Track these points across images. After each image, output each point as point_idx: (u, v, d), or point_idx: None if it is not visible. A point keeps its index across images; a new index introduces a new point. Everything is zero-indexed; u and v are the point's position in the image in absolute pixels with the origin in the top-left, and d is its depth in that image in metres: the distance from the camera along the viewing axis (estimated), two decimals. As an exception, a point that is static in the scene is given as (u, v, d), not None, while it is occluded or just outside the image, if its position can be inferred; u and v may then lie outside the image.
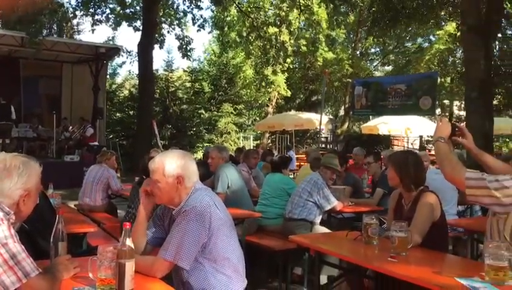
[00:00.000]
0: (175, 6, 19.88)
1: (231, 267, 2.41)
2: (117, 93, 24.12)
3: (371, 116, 19.27)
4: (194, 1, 18.39)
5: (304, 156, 13.60)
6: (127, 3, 18.15)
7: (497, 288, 2.05)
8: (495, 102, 11.44)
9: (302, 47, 24.31)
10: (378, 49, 30.44)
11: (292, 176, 10.45)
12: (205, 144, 20.86)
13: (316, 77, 26.43)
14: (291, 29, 22.55)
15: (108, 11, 18.47)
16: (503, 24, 11.69)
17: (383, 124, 17.14)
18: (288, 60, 24.04)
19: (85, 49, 15.51)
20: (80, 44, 16.24)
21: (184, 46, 18.13)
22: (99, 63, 15.56)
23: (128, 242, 1.98)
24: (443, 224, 3.12)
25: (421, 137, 20.95)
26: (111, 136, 19.86)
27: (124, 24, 19.00)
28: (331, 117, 30.07)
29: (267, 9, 22.70)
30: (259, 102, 28.45)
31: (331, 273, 4.13)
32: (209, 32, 24.40)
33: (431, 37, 25.57)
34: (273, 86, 23.95)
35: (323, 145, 23.44)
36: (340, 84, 26.98)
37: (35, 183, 2.08)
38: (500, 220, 2.34)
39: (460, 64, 19.91)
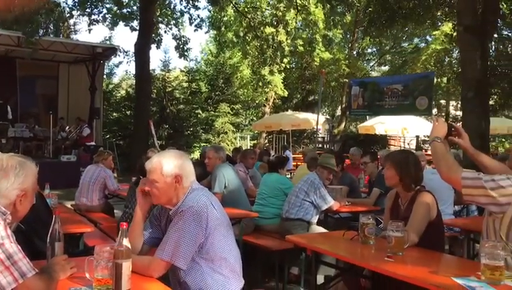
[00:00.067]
0: (172, 6, 19.87)
1: (228, 267, 2.41)
2: (114, 93, 24.10)
3: (367, 116, 19.31)
4: (191, 1, 18.37)
5: (301, 156, 13.62)
6: (124, 3, 18.10)
7: (493, 287, 2.06)
8: (491, 102, 11.48)
9: (299, 47, 24.32)
10: (374, 49, 30.53)
11: (289, 176, 10.46)
12: (202, 144, 20.85)
13: (313, 77, 26.46)
14: (288, 29, 22.57)
15: (105, 10, 18.44)
16: (499, 24, 11.72)
17: (380, 124, 17.17)
18: (285, 60, 24.05)
19: (82, 49, 15.48)
20: (77, 44, 16.21)
21: (181, 46, 18.11)
22: (96, 63, 15.54)
23: (125, 242, 1.98)
24: (439, 224, 3.13)
25: (417, 137, 21.02)
26: (108, 136, 19.84)
27: (121, 24, 18.97)
28: (328, 117, 30.08)
29: (264, 10, 22.71)
30: (256, 102, 28.46)
31: (328, 273, 4.13)
32: (206, 32, 24.37)
33: (427, 37, 25.64)
34: (270, 86, 23.95)
35: (320, 145, 23.45)
36: (337, 84, 27.01)
37: (31, 184, 2.08)
38: (496, 220, 2.34)
39: (456, 65, 19.97)
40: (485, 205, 2.36)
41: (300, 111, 22.93)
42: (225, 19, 23.08)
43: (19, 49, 13.83)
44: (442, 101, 29.85)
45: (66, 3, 17.71)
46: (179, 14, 19.86)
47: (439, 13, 13.31)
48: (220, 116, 23.63)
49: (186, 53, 18.28)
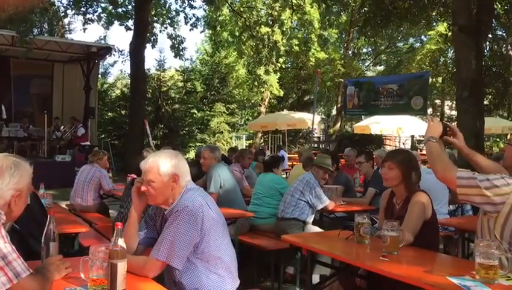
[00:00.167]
0: (167, 6, 19.84)
1: (223, 267, 2.41)
2: (109, 92, 24.04)
3: (363, 116, 19.35)
4: (186, 0, 18.35)
5: (297, 155, 13.63)
6: (119, 3, 18.05)
7: (487, 287, 2.07)
8: (486, 102, 11.50)
9: (294, 47, 24.35)
10: (370, 49, 30.61)
11: (284, 176, 10.47)
12: (197, 144, 20.83)
13: (309, 76, 26.50)
14: (284, 29, 22.58)
15: (100, 10, 18.37)
16: (493, 24, 11.76)
17: (375, 124, 17.21)
18: (281, 60, 24.06)
19: (76, 49, 15.42)
20: (71, 43, 16.13)
21: (176, 46, 18.09)
22: (91, 63, 15.49)
23: (120, 242, 1.98)
24: (434, 223, 3.14)
25: (412, 137, 21.08)
26: (103, 136, 19.79)
27: (116, 23, 18.93)
28: (324, 117, 30.19)
29: (259, 9, 22.71)
30: (252, 102, 28.48)
31: (323, 273, 4.15)
32: (202, 32, 24.36)
33: (422, 37, 25.73)
34: (265, 85, 23.96)
35: (316, 145, 23.53)
36: (333, 84, 27.06)
37: (26, 184, 2.07)
38: (490, 219, 2.35)
39: (451, 64, 20.03)
40: (480, 204, 2.37)
41: (295, 111, 22.94)
42: (220, 18, 23.08)
43: (13, 48, 13.77)
44: (437, 101, 29.98)
45: (61, 2, 17.60)
46: (174, 13, 19.84)
47: (434, 13, 13.33)
48: (216, 116, 23.61)
49: (181, 52, 18.27)
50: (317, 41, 25.01)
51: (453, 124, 3.65)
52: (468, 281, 2.14)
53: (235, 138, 25.41)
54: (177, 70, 25.42)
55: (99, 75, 21.24)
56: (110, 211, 6.63)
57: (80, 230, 3.90)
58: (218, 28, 23.74)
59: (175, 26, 19.71)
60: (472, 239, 3.98)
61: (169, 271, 2.38)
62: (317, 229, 4.93)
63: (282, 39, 22.60)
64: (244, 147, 20.01)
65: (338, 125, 26.98)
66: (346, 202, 5.48)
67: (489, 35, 11.58)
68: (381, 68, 31.43)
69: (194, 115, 23.16)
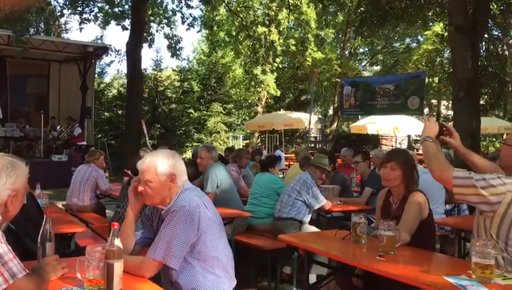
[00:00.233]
0: (164, 5, 19.83)
1: (220, 267, 2.41)
2: (105, 92, 24.00)
3: (359, 116, 19.37)
4: (183, 0, 18.34)
5: (293, 155, 13.64)
6: (116, 2, 18.02)
7: (483, 286, 2.07)
8: (482, 102, 11.54)
9: (291, 47, 24.36)
10: (366, 49, 30.67)
11: (281, 176, 10.47)
12: (194, 144, 20.82)
13: (305, 76, 26.51)
14: (281, 29, 22.59)
15: (96, 9, 18.37)
16: (489, 25, 11.80)
17: (372, 124, 17.23)
18: (278, 60, 24.08)
19: (73, 48, 15.39)
20: (68, 43, 16.10)
21: (173, 45, 18.08)
22: (88, 62, 15.46)
23: (117, 242, 1.97)
24: (431, 223, 3.14)
25: (409, 136, 21.13)
26: (99, 136, 19.77)
27: (113, 23, 18.90)
28: (320, 117, 30.20)
29: (256, 9, 22.71)
30: (249, 101, 28.48)
31: (320, 273, 4.15)
32: (198, 32, 24.34)
33: (419, 37, 25.80)
34: (262, 85, 23.97)
35: (313, 145, 23.55)
36: (329, 84, 27.08)
37: (23, 184, 2.07)
38: (487, 219, 2.36)
39: (447, 65, 20.09)
40: (476, 204, 2.37)
41: (292, 111, 22.97)
42: (217, 18, 23.07)
43: (9, 48, 13.73)
44: (434, 101, 30.07)
45: (57, 2, 17.57)
46: (171, 13, 19.85)
47: (430, 13, 13.36)
48: (212, 115, 23.61)
49: (178, 52, 18.26)
50: (314, 41, 25.04)
51: (450, 123, 3.65)
52: (464, 280, 2.15)
53: (232, 137, 25.41)
54: (173, 70, 25.42)
55: (96, 75, 21.22)
56: (106, 211, 6.61)
57: (77, 230, 3.89)
58: (215, 28, 23.74)
59: (172, 26, 19.75)
60: (468, 239, 3.99)
61: (166, 271, 2.38)
62: (314, 228, 4.94)
63: (279, 39, 22.62)
64: (241, 147, 20.01)
65: (335, 125, 27.01)
66: (342, 202, 5.48)
67: (485, 36, 11.60)
68: (377, 68, 31.51)
69: (191, 115, 23.15)
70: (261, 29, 21.11)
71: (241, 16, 20.57)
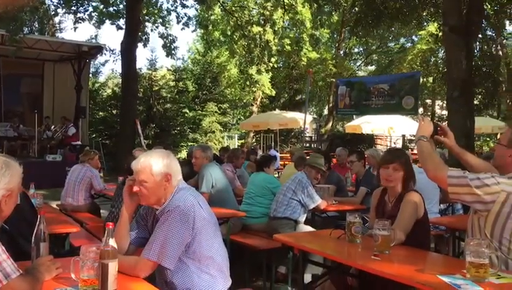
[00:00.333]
0: (159, 5, 19.79)
1: (215, 267, 2.40)
2: (100, 92, 23.93)
3: (354, 116, 19.40)
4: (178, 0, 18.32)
5: (288, 155, 13.65)
6: (110, 2, 17.96)
7: (478, 285, 2.08)
8: (476, 102, 11.59)
9: (286, 46, 24.38)
10: (361, 49, 30.75)
11: (276, 175, 10.47)
12: (189, 143, 20.79)
13: (300, 76, 26.53)
14: (276, 29, 22.61)
15: (90, 9, 18.29)
16: (483, 25, 11.86)
17: (366, 124, 17.25)
18: (273, 60, 24.09)
19: (67, 48, 15.34)
20: (62, 42, 16.06)
21: (168, 45, 18.05)
22: (82, 62, 15.42)
23: (111, 242, 1.97)
24: (426, 222, 3.16)
25: (403, 136, 21.19)
26: (94, 136, 19.71)
27: (107, 22, 18.85)
28: (315, 116, 30.24)
29: (251, 9, 22.71)
30: (244, 101, 28.47)
31: (315, 272, 4.16)
32: (193, 31, 24.32)
33: (413, 37, 25.86)
34: (257, 85, 23.97)
35: (308, 145, 23.57)
36: (324, 84, 27.12)
37: (17, 184, 2.06)
38: (481, 218, 2.37)
39: (442, 64, 20.14)
40: (471, 203, 2.38)
41: (287, 110, 22.95)
42: (212, 17, 23.05)
43: (3, 47, 13.67)
44: (428, 101, 30.16)
45: (51, 1, 17.49)
46: (165, 12, 19.81)
47: (424, 13, 13.40)
48: (207, 115, 23.57)
49: (173, 52, 18.23)
50: (308, 41, 25.07)
51: (444, 123, 3.67)
52: (458, 279, 2.16)
53: (227, 137, 25.39)
54: (168, 70, 25.36)
55: (91, 75, 21.18)
56: (101, 211, 6.59)
57: (71, 230, 3.87)
58: (210, 28, 23.72)
59: (167, 25, 19.69)
60: (463, 238, 4.01)
61: (161, 271, 2.37)
62: (309, 228, 4.94)
63: (274, 39, 22.63)
64: (236, 147, 20.00)
65: (330, 124, 27.05)
66: (337, 201, 5.49)
67: (479, 36, 11.66)
68: (372, 68, 31.58)
69: (186, 115, 23.11)
70: (256, 28, 21.11)
71: (236, 15, 20.57)
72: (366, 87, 11.93)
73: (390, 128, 17.01)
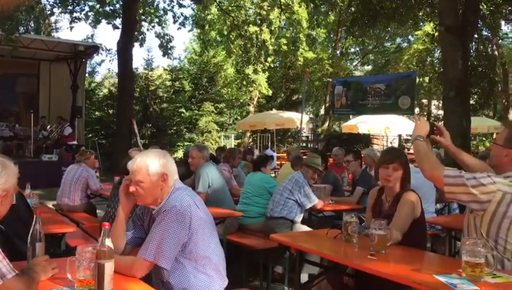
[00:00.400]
0: (155, 4, 19.76)
1: (212, 267, 2.40)
2: (96, 91, 23.87)
3: (351, 116, 19.45)
4: (174, -1, 18.31)
5: (285, 155, 13.66)
6: (107, 1, 17.93)
7: (474, 284, 2.08)
8: (472, 102, 11.63)
9: (282, 46, 24.38)
10: (357, 49, 30.81)
11: (273, 175, 10.48)
12: (186, 143, 20.76)
13: (297, 76, 26.54)
14: (272, 28, 22.61)
15: (87, 8, 18.26)
16: (479, 25, 11.90)
17: (363, 123, 17.30)
18: (269, 59, 24.08)
19: (63, 47, 15.28)
20: (58, 42, 15.98)
21: (165, 44, 18.02)
22: (78, 61, 15.35)
23: (108, 242, 1.96)
24: (422, 222, 3.16)
25: (400, 136, 21.23)
26: (90, 135, 19.65)
27: (103, 22, 18.82)
28: (312, 116, 30.29)
29: (247, 8, 22.71)
30: (241, 101, 28.47)
31: (312, 272, 4.16)
32: (190, 31, 24.29)
33: (410, 37, 25.93)
34: (254, 85, 23.97)
35: (304, 144, 23.60)
36: (321, 84, 27.15)
37: (13, 184, 2.06)
38: (477, 217, 2.38)
39: (438, 64, 20.23)
40: (467, 202, 2.39)
41: (284, 110, 22.98)
42: (209, 17, 23.03)
43: (-1, 46, 13.59)
44: (424, 101, 30.25)
45: (47, 1, 17.44)
46: (162, 12, 19.78)
47: (421, 13, 13.45)
48: (204, 115, 23.54)
49: (169, 51, 18.20)
50: (305, 41, 25.08)
51: (440, 123, 3.67)
52: (454, 279, 2.16)
53: (223, 137, 25.38)
54: (165, 70, 25.33)
55: (87, 74, 21.08)
56: (97, 211, 6.58)
57: (67, 230, 3.86)
58: (206, 27, 23.69)
59: (163, 25, 19.66)
60: (459, 237, 4.02)
61: (157, 271, 2.37)
62: (305, 228, 4.94)
63: (270, 38, 22.62)
64: (233, 147, 19.99)
65: (326, 124, 27.08)
66: (334, 201, 5.50)
67: (475, 36, 11.71)
68: (369, 68, 31.65)
69: (182, 114, 23.08)
70: (252, 28, 21.09)
71: (232, 15, 20.55)
72: (362, 87, 11.96)
73: (386, 128, 17.07)
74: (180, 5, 18.84)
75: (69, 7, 17.40)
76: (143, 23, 18.85)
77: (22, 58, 14.82)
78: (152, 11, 19.72)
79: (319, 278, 3.43)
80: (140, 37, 18.03)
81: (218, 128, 24.43)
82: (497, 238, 2.31)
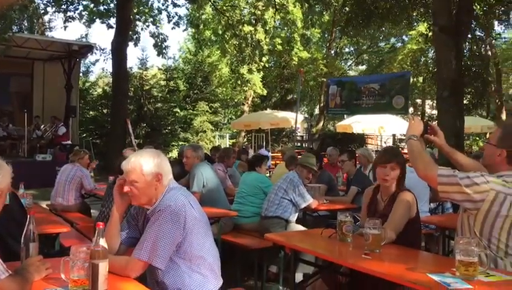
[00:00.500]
0: (149, 4, 19.72)
1: (206, 267, 2.40)
2: (90, 91, 23.77)
3: (345, 115, 19.48)
4: (169, -2, 18.27)
5: (280, 154, 13.65)
6: (101, 1, 17.88)
7: (467, 283, 2.10)
8: (465, 101, 11.67)
9: (277, 46, 24.40)
10: (352, 49, 30.88)
11: (268, 175, 10.48)
12: (180, 143, 20.72)
13: (292, 75, 26.57)
14: (267, 28, 22.62)
15: (81, 7, 18.19)
16: (472, 25, 11.95)
17: (357, 123, 17.33)
18: (264, 59, 24.09)
19: (57, 47, 15.21)
20: (52, 41, 15.90)
21: (159, 44, 17.99)
22: (72, 61, 15.28)
23: (102, 242, 1.96)
24: (418, 221, 3.18)
25: (394, 135, 21.28)
26: (84, 135, 19.57)
27: (98, 21, 18.75)
28: (307, 116, 30.32)
29: (242, 8, 22.69)
30: (235, 100, 28.44)
31: (307, 271, 4.17)
32: (184, 30, 24.29)
33: (404, 37, 26.02)
34: (248, 84, 23.96)
35: (299, 144, 23.63)
36: (315, 84, 27.19)
37: (7, 184, 2.05)
38: (470, 216, 2.39)
39: (432, 64, 20.28)
40: (460, 201, 2.40)
41: (279, 110, 22.98)
42: (203, 17, 23.01)
43: (-8, 45, 13.51)
44: (418, 100, 30.34)
45: (41, 0, 17.36)
46: (156, 11, 19.74)
47: (414, 14, 13.49)
48: (199, 114, 23.51)
49: (164, 51, 18.18)
50: (300, 41, 25.11)
51: (434, 123, 3.69)
52: (448, 277, 2.17)
53: (218, 137, 25.35)
54: (159, 69, 25.26)
55: (81, 74, 21.01)
56: (91, 210, 6.56)
57: (61, 230, 3.85)
58: (201, 27, 23.67)
59: (157, 24, 19.62)
60: (452, 236, 4.03)
61: (152, 271, 2.36)
62: (300, 227, 4.95)
63: (265, 38, 22.64)
64: (228, 146, 19.98)
65: (321, 124, 27.12)
66: (329, 201, 5.51)
67: (469, 36, 11.76)
68: (363, 68, 31.72)
69: (177, 114, 23.03)
70: (247, 28, 21.10)
71: (227, 14, 20.54)
72: (356, 87, 11.99)
73: (380, 128, 17.10)
74: (175, 5, 18.75)
75: (63, 6, 17.34)
76: (137, 22, 18.81)
77: (16, 57, 14.73)
78: (146, 10, 19.67)
79: (314, 277, 3.44)
80: (134, 37, 17.99)
81: (213, 128, 24.40)
82: (490, 238, 2.32)
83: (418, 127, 2.69)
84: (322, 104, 26.40)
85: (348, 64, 31.58)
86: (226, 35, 21.25)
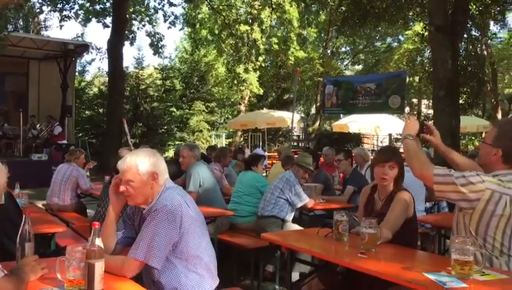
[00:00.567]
0: (145, 3, 19.69)
1: (203, 266, 2.40)
2: (86, 90, 23.71)
3: (341, 115, 19.51)
4: (165, -3, 18.25)
5: (276, 154, 13.67)
6: (96, 0, 17.84)
7: (463, 282, 2.10)
8: (461, 101, 11.70)
9: (273, 45, 24.41)
10: (348, 49, 30.94)
11: (264, 174, 10.48)
12: (176, 142, 20.71)
13: (288, 75, 26.59)
14: (263, 28, 22.63)
15: (77, 7, 18.14)
16: (468, 25, 11.99)
17: (353, 123, 17.36)
18: (260, 58, 24.10)
19: (53, 46, 15.17)
20: (48, 40, 15.87)
21: (155, 43, 17.97)
22: (68, 60, 15.25)
23: (98, 242, 1.95)
24: (414, 221, 3.18)
25: (390, 135, 21.32)
26: (80, 135, 19.55)
27: (93, 20, 18.70)
28: (303, 115, 30.32)
29: (238, 7, 22.69)
30: (232, 100, 28.43)
31: (303, 270, 4.17)
32: (181, 30, 24.26)
33: (400, 36, 26.08)
34: (245, 84, 23.96)
35: (295, 144, 23.65)
36: (312, 83, 27.21)
37: (2, 184, 2.04)
38: (466, 216, 2.40)
39: (428, 64, 20.32)
40: (456, 201, 2.41)
41: (275, 109, 23.00)
42: (200, 16, 23.00)
43: (-13, 45, 13.45)
44: (414, 100, 30.42)
45: (36, -1, 17.30)
46: (152, 10, 19.72)
47: (410, 13, 13.53)
48: (195, 114, 23.49)
49: (160, 50, 18.18)
50: (296, 40, 25.14)
51: (430, 122, 3.70)
52: (444, 276, 2.18)
53: (214, 136, 25.34)
54: (155, 68, 25.23)
55: (77, 73, 20.97)
56: (87, 210, 6.54)
57: (57, 230, 3.83)
58: (197, 26, 23.65)
59: (154, 23, 19.60)
60: (448, 236, 4.05)
61: (148, 271, 2.36)
62: (296, 227, 4.95)
63: (261, 37, 22.65)
64: (224, 146, 19.97)
65: (317, 124, 27.15)
66: (325, 200, 5.51)
67: (465, 36, 11.79)
68: (359, 67, 31.78)
69: (173, 114, 23.01)
70: (243, 27, 21.10)
71: (223, 14, 20.54)
72: (353, 87, 12.00)
73: (377, 127, 17.14)
74: (171, 4, 18.74)
75: (59, 5, 17.28)
76: (133, 21, 18.80)
77: (11, 56, 14.69)
78: (142, 9, 19.65)
79: (310, 276, 3.44)
80: (130, 36, 17.99)
81: (209, 128, 24.39)
82: (485, 237, 2.33)
83: (414, 126, 2.70)
84: (318, 104, 26.43)
85: (344, 63, 31.65)
86: (222, 35, 21.25)
